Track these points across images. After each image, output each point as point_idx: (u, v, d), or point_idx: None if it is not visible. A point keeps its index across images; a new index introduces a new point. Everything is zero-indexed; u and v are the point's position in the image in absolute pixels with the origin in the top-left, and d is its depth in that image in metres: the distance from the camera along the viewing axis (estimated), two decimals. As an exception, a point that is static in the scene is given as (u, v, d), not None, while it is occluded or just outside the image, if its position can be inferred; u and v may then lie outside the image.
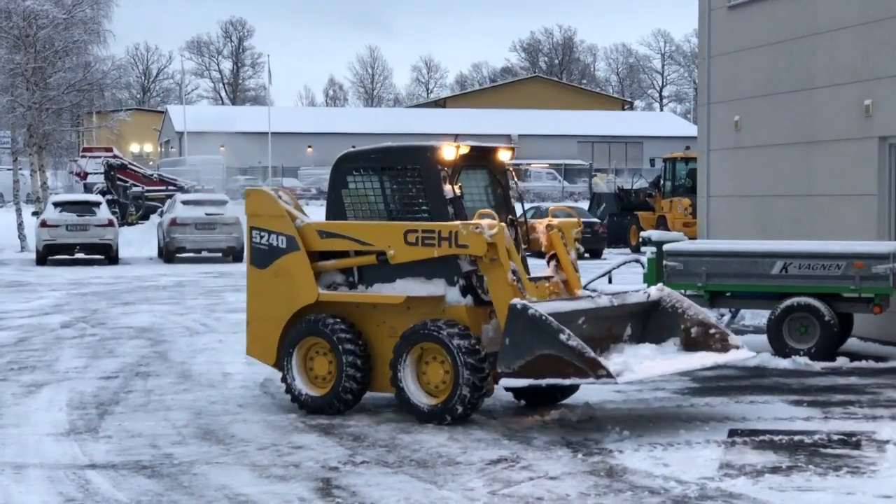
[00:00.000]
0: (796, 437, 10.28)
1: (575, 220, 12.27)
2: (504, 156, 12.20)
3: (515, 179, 12.52)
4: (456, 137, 11.69)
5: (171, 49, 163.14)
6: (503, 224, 11.08)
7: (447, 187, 11.41)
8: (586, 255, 36.18)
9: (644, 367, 10.77)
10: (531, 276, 11.50)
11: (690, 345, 11.58)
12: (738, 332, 17.23)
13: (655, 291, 11.99)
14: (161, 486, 8.78)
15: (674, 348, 11.59)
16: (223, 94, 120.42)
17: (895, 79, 16.49)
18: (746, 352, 11.57)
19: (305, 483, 8.80)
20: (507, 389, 11.49)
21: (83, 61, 44.02)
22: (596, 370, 10.11)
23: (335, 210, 11.98)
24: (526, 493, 8.45)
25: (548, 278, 11.71)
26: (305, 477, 8.99)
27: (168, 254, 34.83)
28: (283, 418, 11.32)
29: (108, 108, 53.57)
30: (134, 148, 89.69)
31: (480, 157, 12.01)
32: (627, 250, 37.61)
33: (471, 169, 11.98)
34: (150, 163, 74.96)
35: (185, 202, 35.91)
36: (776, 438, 10.25)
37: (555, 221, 12.01)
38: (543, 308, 10.49)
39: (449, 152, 11.43)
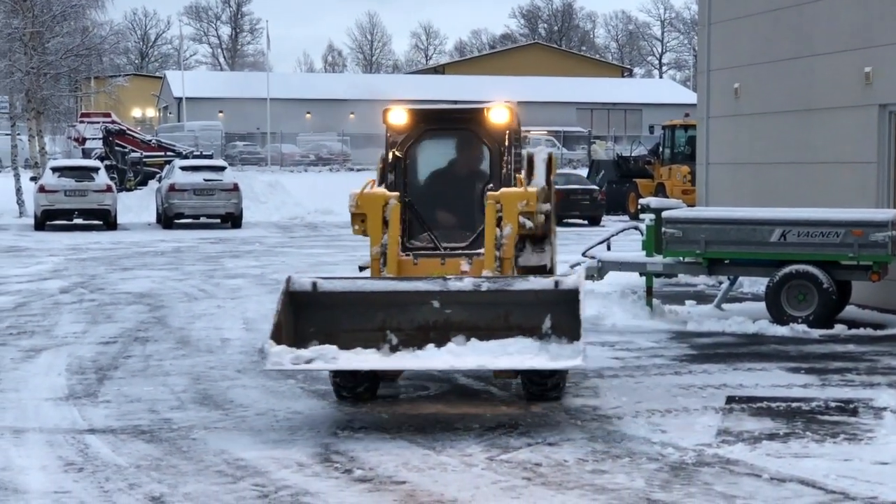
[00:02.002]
0: (794, 404, 10.29)
1: (520, 191, 10.47)
2: (497, 117, 10.83)
3: (508, 143, 10.89)
4: (455, 104, 11.47)
5: (169, 14, 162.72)
6: (376, 193, 10.51)
7: (389, 153, 10.98)
8: (584, 221, 36.20)
9: (376, 360, 9.66)
10: (448, 249, 10.73)
11: None
12: (736, 299, 17.28)
13: (573, 279, 9.83)
14: (160, 450, 8.79)
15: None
16: (221, 59, 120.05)
17: (895, 46, 16.43)
18: (579, 361, 9.22)
19: (304, 448, 8.80)
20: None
21: (81, 26, 43.92)
22: (265, 356, 9.45)
23: None
24: (524, 458, 8.46)
25: (474, 254, 10.65)
26: (304, 442, 8.99)
27: (166, 219, 34.83)
28: (281, 384, 11.32)
29: (106, 74, 53.43)
30: (136, 113, 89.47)
31: (461, 120, 11.10)
32: (626, 217, 37.60)
33: (453, 132, 11.22)
34: (155, 129, 74.76)
35: (183, 168, 35.88)
36: (774, 405, 10.26)
37: (497, 192, 10.57)
38: (337, 285, 9.96)
39: (395, 116, 10.92)
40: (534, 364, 9.46)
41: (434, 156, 11.25)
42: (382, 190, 10.81)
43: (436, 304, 9.92)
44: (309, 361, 9.45)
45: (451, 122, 11.22)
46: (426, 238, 10.87)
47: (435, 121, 11.20)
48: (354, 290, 9.98)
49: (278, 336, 9.56)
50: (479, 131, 11.00)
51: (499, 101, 11.02)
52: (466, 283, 9.87)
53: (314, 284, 9.94)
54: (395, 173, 10.97)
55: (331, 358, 9.50)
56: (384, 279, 10.35)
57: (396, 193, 10.70)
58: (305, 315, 10.05)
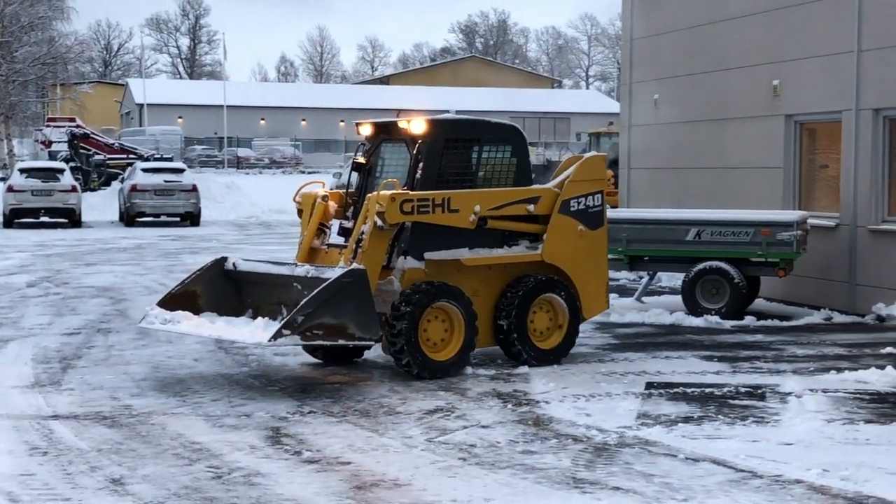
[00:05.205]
0: (707, 390, 10.38)
1: (374, 195, 10.81)
2: (414, 128, 11.26)
3: (416, 152, 11.25)
4: (398, 113, 11.68)
5: (131, 25, 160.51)
6: (310, 193, 11.61)
7: (357, 158, 11.86)
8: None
9: (202, 326, 10.67)
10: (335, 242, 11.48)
11: None
12: (655, 293, 17.40)
13: (350, 271, 10.19)
14: (120, 435, 8.70)
15: None
16: (181, 68, 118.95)
17: (800, 61, 16.62)
18: (258, 338, 9.98)
19: (256, 432, 8.75)
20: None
21: (48, 36, 43.46)
22: (143, 316, 11.17)
23: None
24: (460, 440, 8.47)
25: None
26: (256, 426, 8.94)
27: (128, 218, 34.51)
28: (236, 372, 11.25)
29: (72, 81, 52.80)
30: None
31: (401, 130, 11.52)
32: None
33: (394, 143, 11.75)
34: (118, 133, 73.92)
35: (144, 170, 35.55)
36: (689, 391, 10.35)
37: (372, 194, 10.94)
38: (244, 266, 11.16)
39: (362, 128, 11.93)
40: (235, 337, 10.29)
41: (383, 162, 11.85)
42: (315, 189, 11.77)
43: (298, 286, 10.60)
44: (167, 323, 10.77)
45: (396, 132, 11.70)
46: None
47: (386, 131, 11.81)
48: (251, 271, 11.15)
49: (169, 302, 10.97)
50: (408, 140, 11.50)
51: (421, 115, 11.71)
52: (301, 270, 10.71)
53: (234, 264, 11.23)
54: (361, 176, 11.82)
55: (176, 322, 10.77)
56: (271, 263, 11.31)
57: (324, 192, 11.66)
58: (244, 289, 11.25)
